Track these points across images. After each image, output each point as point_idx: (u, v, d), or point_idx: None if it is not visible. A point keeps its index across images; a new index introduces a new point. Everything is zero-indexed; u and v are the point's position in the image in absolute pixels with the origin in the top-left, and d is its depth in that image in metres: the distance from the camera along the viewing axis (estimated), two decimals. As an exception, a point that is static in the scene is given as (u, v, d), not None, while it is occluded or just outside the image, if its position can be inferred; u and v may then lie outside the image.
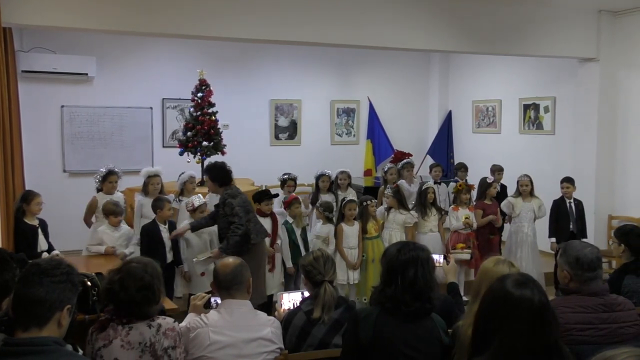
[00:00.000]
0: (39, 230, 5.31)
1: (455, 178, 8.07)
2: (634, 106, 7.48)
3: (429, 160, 10.48)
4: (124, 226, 5.72)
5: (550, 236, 6.78)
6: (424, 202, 6.52)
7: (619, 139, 7.67)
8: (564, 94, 8.44)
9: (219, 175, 5.30)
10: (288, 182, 6.85)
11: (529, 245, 6.77)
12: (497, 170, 7.79)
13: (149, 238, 5.45)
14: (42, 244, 5.30)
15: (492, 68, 9.66)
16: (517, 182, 6.93)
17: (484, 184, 6.86)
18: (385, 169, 7.70)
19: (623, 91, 7.58)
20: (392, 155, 9.97)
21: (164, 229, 5.57)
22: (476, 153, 9.87)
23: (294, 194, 6.78)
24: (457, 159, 10.32)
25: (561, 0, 7.08)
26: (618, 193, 7.52)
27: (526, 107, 9.10)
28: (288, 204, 6.06)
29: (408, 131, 10.55)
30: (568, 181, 6.81)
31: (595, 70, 7.59)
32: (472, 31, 6.92)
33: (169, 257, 5.57)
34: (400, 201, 6.40)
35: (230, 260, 3.10)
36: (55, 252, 5.35)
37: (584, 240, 6.57)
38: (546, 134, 8.79)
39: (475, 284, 2.72)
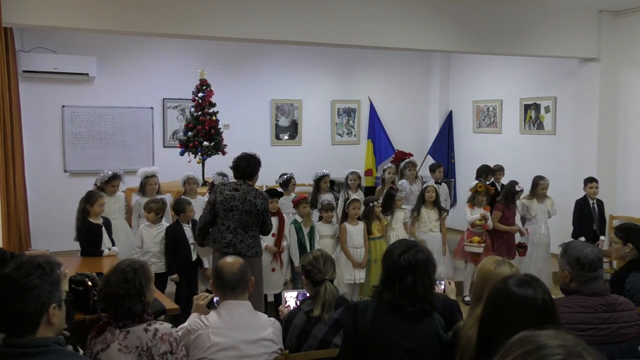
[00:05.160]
0: (103, 229, 5.43)
1: (478, 180, 7.95)
2: (635, 106, 7.48)
3: (430, 160, 10.49)
4: (165, 224, 5.76)
5: (578, 236, 6.66)
6: (420, 202, 6.57)
7: (620, 138, 7.66)
8: (564, 94, 8.44)
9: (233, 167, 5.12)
10: (292, 180, 6.86)
11: (545, 246, 6.75)
12: (497, 170, 7.78)
13: (174, 238, 5.49)
14: (107, 243, 5.43)
15: (493, 68, 9.65)
16: (536, 184, 6.81)
17: (511, 189, 6.72)
18: (384, 168, 7.70)
19: (624, 91, 7.57)
20: (393, 155, 9.96)
21: (187, 229, 5.63)
22: (477, 153, 9.86)
23: (294, 194, 6.80)
24: (458, 159, 10.33)
25: (562, 0, 7.08)
26: (619, 193, 7.52)
27: (527, 107, 9.09)
28: (296, 204, 6.09)
29: (409, 131, 10.55)
30: (595, 181, 6.78)
31: (596, 70, 7.59)
32: (473, 31, 6.92)
33: (194, 255, 5.64)
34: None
35: (232, 259, 3.07)
36: (114, 248, 5.45)
37: (602, 238, 6.62)
38: (547, 134, 8.78)
39: (477, 287, 2.69)
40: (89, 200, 5.41)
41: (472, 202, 6.66)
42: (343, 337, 2.79)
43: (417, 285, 2.55)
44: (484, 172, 7.84)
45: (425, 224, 6.54)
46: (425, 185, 6.68)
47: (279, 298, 5.67)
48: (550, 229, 6.88)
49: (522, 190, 6.76)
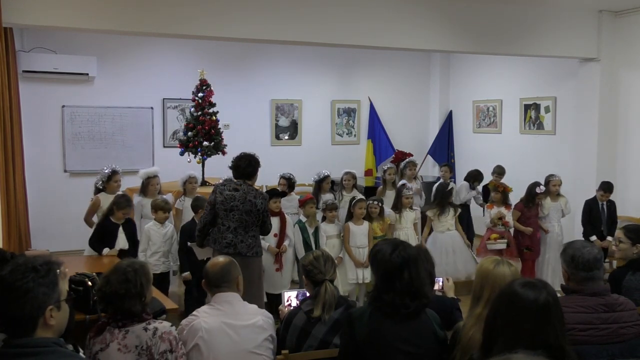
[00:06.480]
0: (120, 229, 5.47)
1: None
2: (635, 106, 7.48)
3: (430, 160, 10.50)
4: (170, 224, 5.76)
5: (589, 236, 6.72)
6: (445, 202, 6.59)
7: (620, 138, 7.66)
8: (564, 94, 8.44)
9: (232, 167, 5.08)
10: (280, 180, 6.85)
11: (559, 245, 6.72)
12: (498, 172, 7.78)
13: (189, 237, 5.46)
14: (122, 243, 5.44)
15: (493, 68, 9.65)
16: (547, 182, 6.87)
17: (532, 190, 6.74)
18: (385, 168, 7.70)
19: (624, 91, 7.57)
20: (393, 155, 9.97)
21: None
22: (477, 153, 9.87)
23: (295, 194, 6.82)
24: (458, 159, 10.34)
25: (562, 0, 7.08)
26: (619, 193, 7.50)
27: (527, 107, 9.09)
28: (303, 203, 6.10)
29: (409, 131, 10.55)
30: (605, 190, 6.79)
31: (596, 70, 7.59)
32: (473, 31, 6.92)
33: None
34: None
35: (221, 259, 3.16)
36: (142, 253, 5.50)
37: (609, 238, 6.63)
38: (547, 134, 8.79)
39: (477, 287, 2.70)
40: (117, 204, 5.47)
41: (491, 201, 6.79)
42: (340, 347, 2.79)
43: (414, 279, 2.57)
44: (472, 178, 7.86)
45: (442, 224, 6.57)
46: (450, 187, 6.80)
47: (278, 297, 5.68)
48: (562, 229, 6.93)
49: (542, 192, 6.77)
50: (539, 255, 6.87)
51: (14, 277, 1.96)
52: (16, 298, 1.94)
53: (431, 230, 6.72)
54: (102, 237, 5.44)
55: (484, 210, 7.15)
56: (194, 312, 3.00)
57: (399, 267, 2.59)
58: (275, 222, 5.70)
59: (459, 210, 6.81)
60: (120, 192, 5.96)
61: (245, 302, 3.09)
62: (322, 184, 7.00)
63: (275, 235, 5.73)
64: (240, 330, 2.93)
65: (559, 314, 2.06)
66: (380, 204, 6.30)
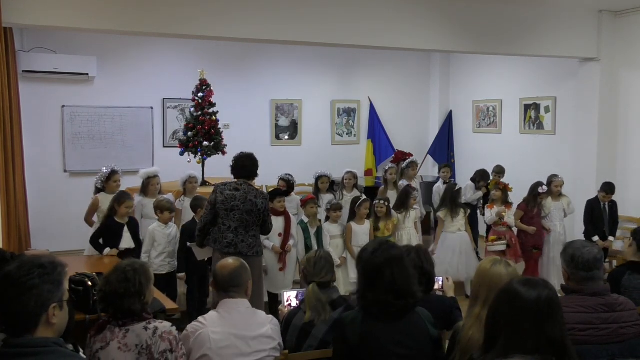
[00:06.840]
0: (125, 228, 5.48)
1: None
2: (635, 106, 7.48)
3: (430, 160, 10.50)
4: (173, 224, 5.75)
5: (590, 236, 6.74)
6: (455, 202, 6.60)
7: (620, 138, 7.67)
8: (564, 94, 8.44)
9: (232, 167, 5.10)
10: (279, 182, 6.85)
11: (562, 244, 6.74)
12: (497, 172, 7.78)
13: (190, 236, 5.44)
14: (127, 242, 5.46)
15: (493, 68, 9.65)
16: (550, 182, 6.88)
17: (534, 190, 6.77)
18: (386, 168, 7.70)
19: (624, 91, 7.58)
20: (393, 155, 9.97)
21: None
22: (477, 153, 9.87)
23: (295, 195, 6.82)
24: (458, 159, 10.34)
25: (562, 0, 7.08)
26: (619, 193, 7.48)
27: (527, 107, 9.09)
28: (304, 203, 6.10)
29: (409, 131, 10.55)
30: (607, 191, 6.80)
31: (596, 70, 7.59)
32: (473, 31, 6.92)
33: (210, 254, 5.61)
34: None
35: (230, 261, 3.09)
36: (145, 255, 5.48)
37: (611, 238, 6.65)
38: (547, 134, 8.79)
39: (475, 286, 2.70)
40: (117, 200, 5.49)
41: (492, 200, 6.82)
42: (333, 353, 2.76)
43: (396, 278, 2.55)
44: (479, 177, 7.81)
45: (454, 224, 6.59)
46: (457, 187, 6.80)
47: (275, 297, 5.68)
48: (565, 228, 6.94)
49: (545, 192, 6.78)
50: (542, 254, 6.87)
51: (20, 273, 1.97)
52: (21, 294, 1.94)
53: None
54: (105, 237, 5.44)
55: (483, 211, 7.16)
56: (199, 319, 2.93)
57: (380, 266, 2.57)
58: (280, 221, 5.70)
59: (469, 210, 6.82)
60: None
61: (254, 310, 3.04)
62: (317, 183, 7.02)
63: (279, 234, 5.72)
64: (250, 342, 2.88)
65: (561, 311, 2.07)
66: (386, 204, 6.31)
